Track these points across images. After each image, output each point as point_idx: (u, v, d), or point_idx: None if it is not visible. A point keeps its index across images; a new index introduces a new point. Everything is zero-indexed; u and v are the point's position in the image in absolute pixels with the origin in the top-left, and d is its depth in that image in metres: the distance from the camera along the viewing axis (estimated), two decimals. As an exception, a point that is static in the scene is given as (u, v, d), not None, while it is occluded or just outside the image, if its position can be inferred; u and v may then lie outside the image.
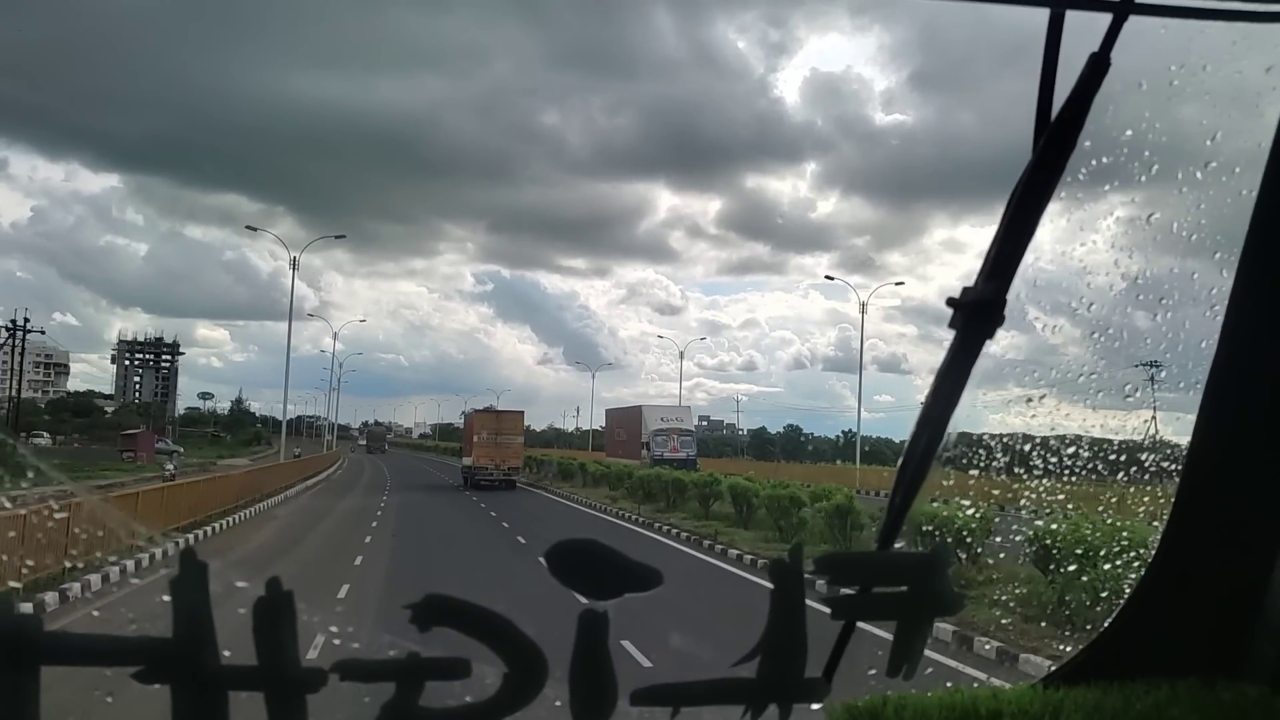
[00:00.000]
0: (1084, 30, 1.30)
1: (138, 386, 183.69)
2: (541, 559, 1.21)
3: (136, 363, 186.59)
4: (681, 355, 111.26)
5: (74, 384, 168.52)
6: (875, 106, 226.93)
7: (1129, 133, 1.89)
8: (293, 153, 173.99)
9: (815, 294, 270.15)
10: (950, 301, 1.35)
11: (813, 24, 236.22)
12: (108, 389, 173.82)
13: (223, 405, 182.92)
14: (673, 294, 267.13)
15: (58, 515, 13.96)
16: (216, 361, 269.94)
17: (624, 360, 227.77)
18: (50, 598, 14.09)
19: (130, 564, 17.05)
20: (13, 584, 12.47)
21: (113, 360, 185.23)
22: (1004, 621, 12.87)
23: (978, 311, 1.34)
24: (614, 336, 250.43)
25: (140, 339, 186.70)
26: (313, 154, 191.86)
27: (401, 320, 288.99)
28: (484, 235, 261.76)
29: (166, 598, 1.06)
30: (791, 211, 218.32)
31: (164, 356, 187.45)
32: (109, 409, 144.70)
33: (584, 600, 1.19)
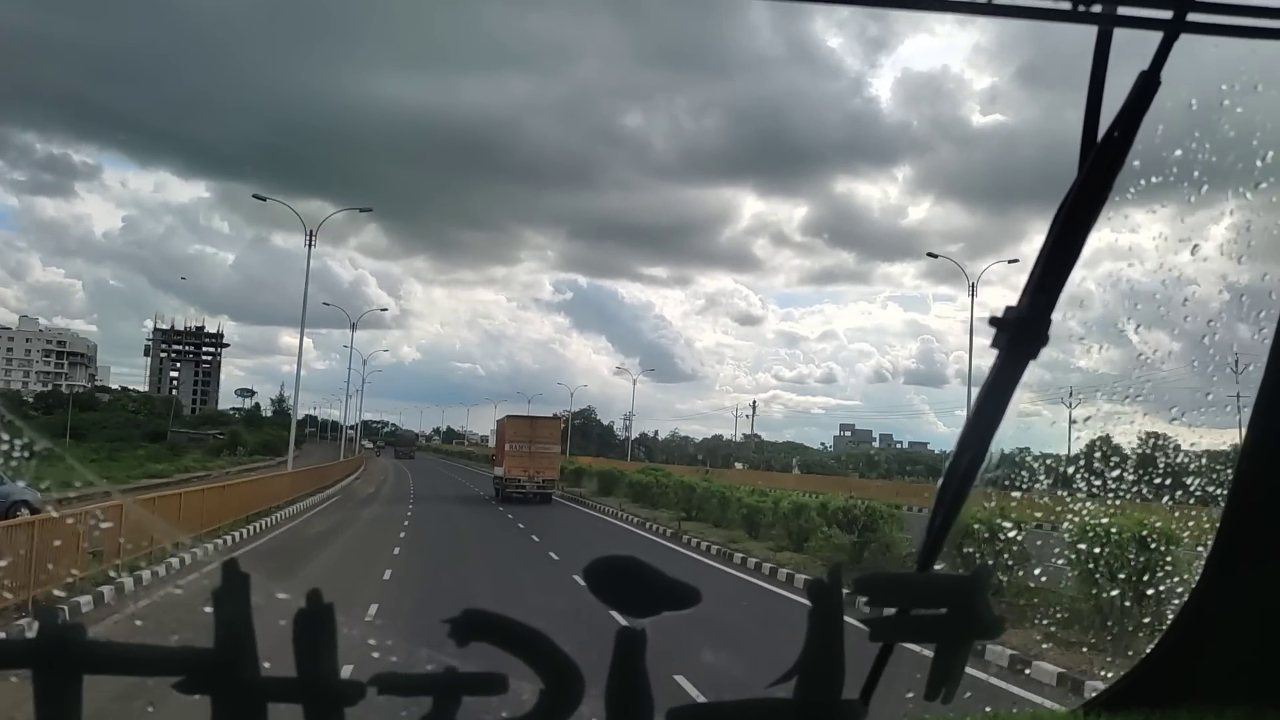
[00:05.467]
0: (1134, 47, 1.28)
1: (175, 381, 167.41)
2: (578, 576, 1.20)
3: (174, 355, 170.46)
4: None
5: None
6: (974, 107, 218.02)
7: (1179, 152, 1.86)
8: (376, 158, 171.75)
9: (894, 305, 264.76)
10: (993, 321, 1.34)
11: (913, 17, 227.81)
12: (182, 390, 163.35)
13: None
14: (753, 304, 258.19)
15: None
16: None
17: (700, 372, 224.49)
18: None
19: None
20: (57, 592, 12.59)
21: (145, 352, 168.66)
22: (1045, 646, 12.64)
23: (1022, 331, 1.32)
24: (690, 347, 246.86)
25: (179, 328, 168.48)
26: (396, 159, 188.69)
27: (478, 329, 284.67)
28: (564, 242, 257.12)
29: (209, 609, 1.08)
30: (882, 218, 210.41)
31: (205, 349, 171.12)
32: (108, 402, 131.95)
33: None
